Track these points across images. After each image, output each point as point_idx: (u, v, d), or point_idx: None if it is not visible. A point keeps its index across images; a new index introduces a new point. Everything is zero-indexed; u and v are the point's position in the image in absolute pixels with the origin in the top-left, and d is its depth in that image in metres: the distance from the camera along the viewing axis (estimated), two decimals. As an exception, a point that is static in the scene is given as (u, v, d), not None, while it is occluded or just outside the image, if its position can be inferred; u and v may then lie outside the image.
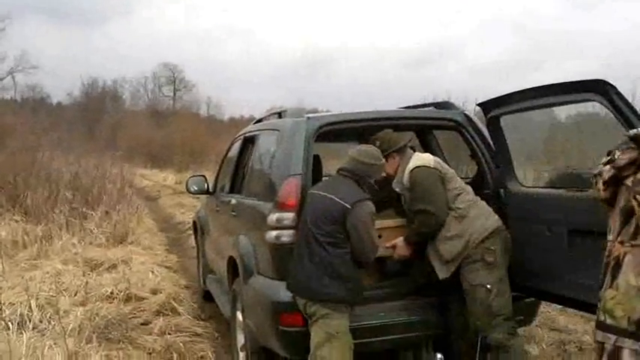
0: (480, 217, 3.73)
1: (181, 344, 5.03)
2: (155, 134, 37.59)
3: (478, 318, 3.60)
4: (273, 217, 3.67)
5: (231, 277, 4.58)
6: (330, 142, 4.99)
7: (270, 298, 3.66)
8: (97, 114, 37.74)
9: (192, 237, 10.26)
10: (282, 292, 3.60)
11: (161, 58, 70.75)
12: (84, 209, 10.30)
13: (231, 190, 5.30)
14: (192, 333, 5.49)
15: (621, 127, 3.28)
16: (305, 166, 3.73)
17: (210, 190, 6.21)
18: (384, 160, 3.75)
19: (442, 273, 3.73)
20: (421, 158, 3.88)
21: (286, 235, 3.63)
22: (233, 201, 4.88)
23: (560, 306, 5.09)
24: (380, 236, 3.76)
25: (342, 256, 3.47)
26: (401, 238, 3.84)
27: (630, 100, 3.22)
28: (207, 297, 6.39)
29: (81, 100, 44.96)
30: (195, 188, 6.26)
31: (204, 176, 6.42)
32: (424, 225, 3.73)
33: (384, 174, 3.84)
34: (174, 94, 54.35)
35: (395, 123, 4.09)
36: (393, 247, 3.85)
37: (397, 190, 3.95)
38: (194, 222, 7.35)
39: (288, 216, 3.63)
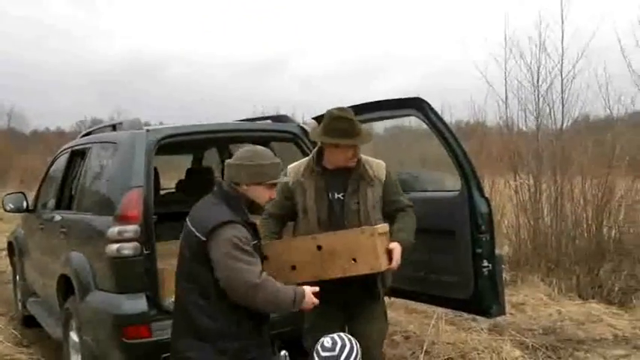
0: None
1: (6, 372, 4.71)
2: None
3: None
4: (114, 230, 3.61)
5: (62, 297, 4.39)
6: (169, 154, 4.98)
7: (113, 312, 3.60)
8: None
9: (3, 261, 9.51)
10: (125, 305, 3.56)
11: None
12: None
13: (58, 207, 5.06)
14: (16, 360, 5.18)
15: (434, 137, 3.79)
16: (146, 179, 3.71)
17: (31, 207, 5.84)
18: (269, 160, 2.83)
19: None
20: None
21: (128, 248, 3.58)
22: (61, 217, 4.69)
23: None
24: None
25: (206, 308, 2.66)
26: (396, 243, 3.16)
27: (442, 109, 3.76)
28: (28, 322, 6.05)
29: None
30: (12, 206, 5.85)
31: (23, 193, 6.00)
32: (415, 220, 3.35)
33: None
34: (-31, 105, 48.85)
35: (234, 135, 4.21)
36: (390, 255, 3.12)
37: (363, 181, 3.30)
38: (10, 243, 6.82)
39: (130, 228, 3.58)
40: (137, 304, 3.56)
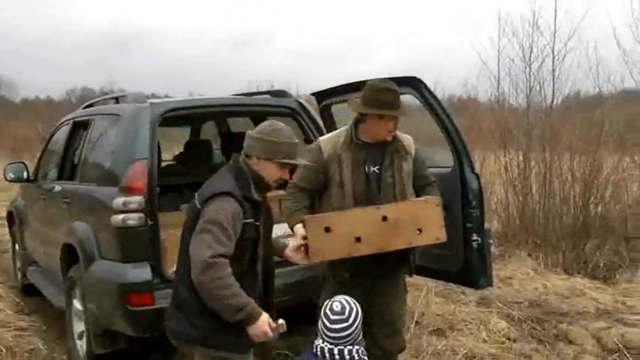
0: None
1: (9, 338, 4.85)
2: None
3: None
4: (119, 201, 3.69)
5: (65, 265, 4.48)
6: (169, 126, 5.07)
7: (117, 280, 3.69)
8: None
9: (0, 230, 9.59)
10: (129, 273, 3.65)
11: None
12: None
13: (60, 177, 5.14)
14: (18, 327, 5.31)
15: (428, 114, 3.91)
16: (151, 151, 3.79)
17: (31, 177, 5.93)
18: (286, 139, 2.73)
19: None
20: None
21: (133, 219, 3.66)
22: (65, 188, 4.77)
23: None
24: None
25: (186, 280, 2.62)
26: None
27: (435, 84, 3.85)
28: (28, 291, 6.15)
29: None
30: (13, 176, 5.92)
31: (23, 163, 6.06)
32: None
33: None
34: (-43, 73, 47.94)
35: (234, 110, 4.29)
36: None
37: (398, 154, 3.34)
38: (9, 213, 6.88)
39: (135, 199, 3.67)
40: (142, 272, 3.65)
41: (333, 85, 4.21)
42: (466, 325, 4.94)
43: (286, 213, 3.34)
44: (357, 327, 2.71)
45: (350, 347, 2.68)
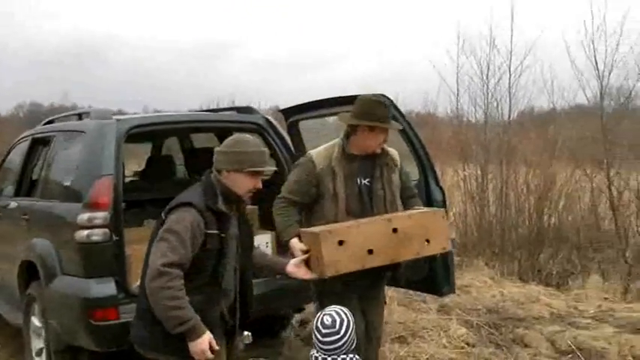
0: None
1: (-38, 359, 4.72)
2: None
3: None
4: (83, 217, 3.66)
5: (24, 282, 4.41)
6: (135, 143, 5.04)
7: (80, 296, 3.65)
8: None
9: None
10: (92, 289, 3.62)
11: None
12: None
13: (17, 194, 5.06)
14: (-28, 347, 5.18)
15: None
16: (116, 167, 3.78)
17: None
18: (251, 148, 2.77)
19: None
20: None
21: (97, 234, 3.64)
22: (23, 204, 4.71)
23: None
24: None
25: (145, 290, 2.64)
26: None
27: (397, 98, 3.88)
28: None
29: None
30: (-36, 194, 5.78)
31: (-21, 180, 5.92)
32: None
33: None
34: None
35: (201, 125, 4.29)
36: None
37: (387, 167, 3.40)
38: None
39: (100, 215, 3.64)
40: (106, 287, 3.63)
41: (301, 102, 4.28)
42: (427, 332, 5.05)
43: (278, 228, 3.34)
44: (349, 337, 2.76)
45: (344, 356, 2.74)
